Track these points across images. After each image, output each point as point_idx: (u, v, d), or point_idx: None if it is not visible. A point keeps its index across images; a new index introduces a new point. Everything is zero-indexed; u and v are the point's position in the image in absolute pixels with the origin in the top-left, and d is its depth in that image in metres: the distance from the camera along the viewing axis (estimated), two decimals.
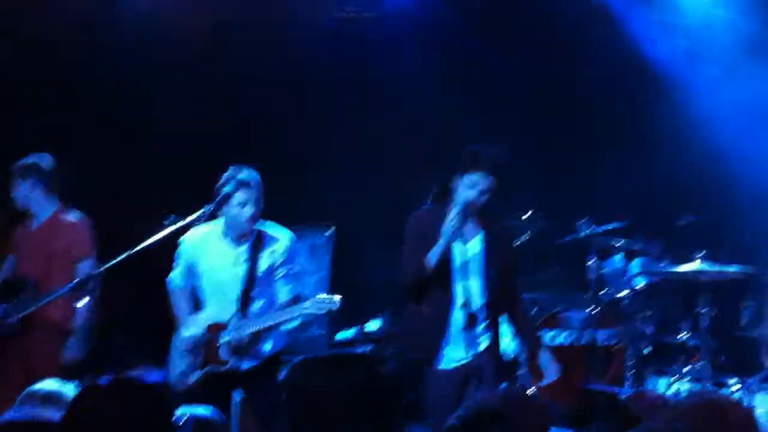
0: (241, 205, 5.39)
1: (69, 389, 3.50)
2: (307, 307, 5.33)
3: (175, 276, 5.72)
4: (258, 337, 5.48)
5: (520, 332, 5.54)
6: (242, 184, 5.37)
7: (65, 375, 5.42)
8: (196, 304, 5.69)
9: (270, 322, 5.43)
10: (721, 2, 7.95)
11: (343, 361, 2.87)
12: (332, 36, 9.02)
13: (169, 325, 5.72)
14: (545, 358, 5.52)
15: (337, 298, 5.29)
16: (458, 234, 5.17)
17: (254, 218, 5.45)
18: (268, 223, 5.63)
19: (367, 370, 2.85)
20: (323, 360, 2.87)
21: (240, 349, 5.46)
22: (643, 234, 7.70)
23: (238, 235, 5.51)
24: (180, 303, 5.69)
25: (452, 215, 5.12)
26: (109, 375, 2.76)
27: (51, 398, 3.42)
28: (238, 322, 5.45)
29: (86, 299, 5.41)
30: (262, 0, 8.63)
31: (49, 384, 3.55)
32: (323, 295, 5.36)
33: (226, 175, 5.46)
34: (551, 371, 5.49)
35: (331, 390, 2.74)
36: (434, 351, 5.30)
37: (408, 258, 5.36)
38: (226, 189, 5.39)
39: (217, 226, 5.57)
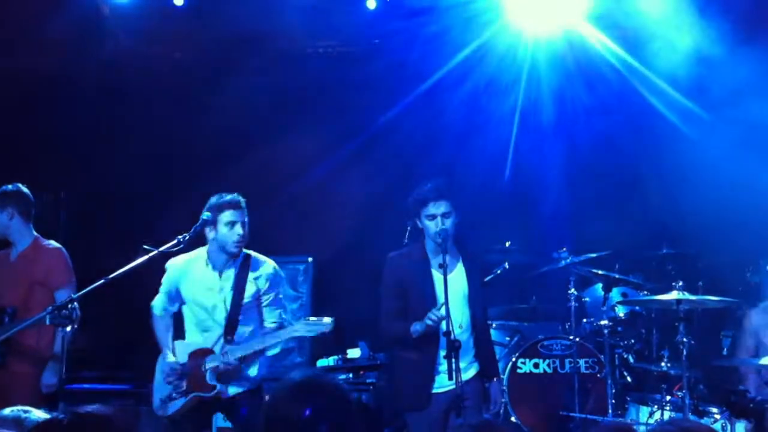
0: (229, 225, 5.40)
1: (36, 415, 3.42)
2: (298, 329, 5.28)
3: (157, 302, 5.72)
4: (245, 361, 5.43)
5: (482, 356, 5.53)
6: (231, 205, 5.40)
7: (43, 402, 5.38)
8: (179, 330, 5.65)
9: (259, 346, 5.38)
10: (704, 40, 8.06)
11: (317, 387, 2.83)
12: (310, 71, 9.07)
13: (147, 351, 5.68)
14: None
15: (329, 319, 5.24)
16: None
17: (242, 239, 5.44)
18: (252, 252, 5.63)
19: (340, 396, 2.83)
20: (298, 385, 2.83)
21: (228, 374, 5.41)
22: (620, 264, 7.74)
23: (225, 258, 5.49)
24: (161, 329, 5.68)
25: (439, 311, 5.09)
26: (68, 410, 2.72)
27: (16, 423, 3.35)
28: (225, 347, 5.41)
29: (64, 326, 5.33)
30: (239, 37, 8.66)
31: (16, 409, 3.46)
32: (314, 318, 5.33)
33: (210, 201, 5.46)
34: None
35: (304, 414, 2.72)
36: (426, 397, 5.30)
37: (386, 310, 5.40)
38: (204, 216, 5.40)
39: (201, 252, 5.57)
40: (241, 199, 5.48)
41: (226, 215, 5.39)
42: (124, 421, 2.78)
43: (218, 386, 5.41)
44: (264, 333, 5.48)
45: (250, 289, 5.50)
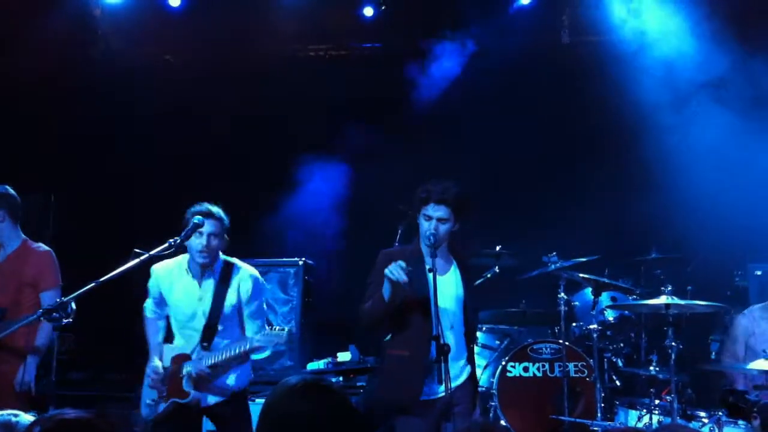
0: (198, 234, 5.34)
1: (26, 419, 3.41)
2: (259, 339, 5.28)
3: (147, 305, 5.72)
4: (218, 369, 5.44)
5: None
6: (207, 215, 5.35)
7: (31, 405, 5.37)
8: (169, 334, 5.67)
9: (226, 355, 5.37)
10: (690, 52, 8.14)
11: (317, 389, 2.84)
12: (299, 74, 9.09)
13: (140, 354, 5.69)
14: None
15: (285, 330, 5.24)
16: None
17: (213, 250, 5.41)
18: (235, 260, 5.60)
19: (340, 399, 2.84)
20: (299, 386, 2.84)
21: (200, 381, 5.42)
22: (609, 269, 7.76)
23: (200, 267, 5.47)
24: (151, 332, 5.69)
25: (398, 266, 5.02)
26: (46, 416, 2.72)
27: (6, 428, 3.35)
28: (200, 353, 5.44)
29: (48, 324, 5.31)
30: (230, 39, 8.67)
31: (6, 413, 3.45)
32: (275, 329, 5.29)
33: (192, 209, 5.42)
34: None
35: (304, 415, 2.73)
36: (414, 402, 5.20)
37: (370, 295, 5.32)
38: (195, 220, 5.35)
39: (182, 259, 5.55)
40: (215, 210, 5.39)
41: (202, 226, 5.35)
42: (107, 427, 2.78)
43: (192, 393, 5.40)
44: (230, 343, 5.43)
45: (230, 299, 5.47)
